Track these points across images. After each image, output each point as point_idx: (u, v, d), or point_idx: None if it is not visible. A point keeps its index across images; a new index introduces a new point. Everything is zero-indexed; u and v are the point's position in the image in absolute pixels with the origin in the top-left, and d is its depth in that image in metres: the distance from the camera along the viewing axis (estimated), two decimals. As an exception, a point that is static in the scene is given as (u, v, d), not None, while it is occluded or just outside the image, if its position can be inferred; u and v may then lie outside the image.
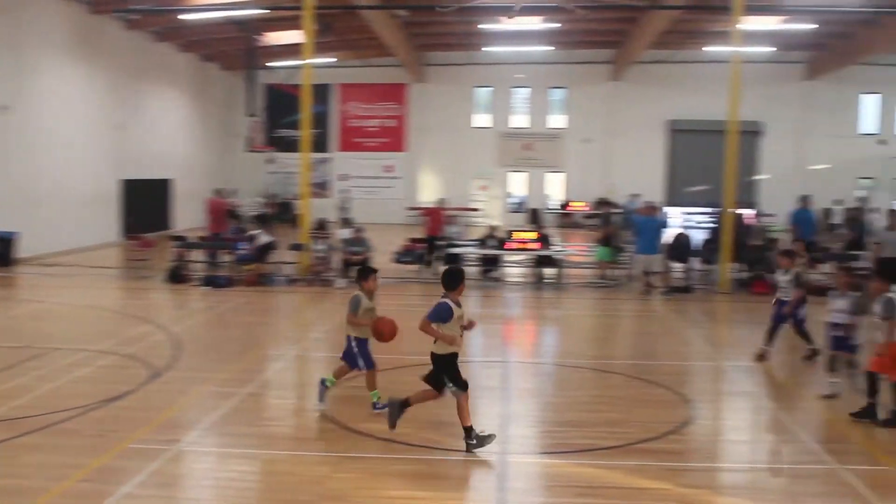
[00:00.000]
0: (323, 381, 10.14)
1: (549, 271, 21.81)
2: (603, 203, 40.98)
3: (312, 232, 22.10)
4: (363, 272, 10.38)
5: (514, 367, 13.03)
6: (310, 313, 17.78)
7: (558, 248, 22.21)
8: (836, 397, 10.56)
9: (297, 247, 22.06)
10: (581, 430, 9.39)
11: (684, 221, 28.54)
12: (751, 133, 39.74)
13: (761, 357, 13.06)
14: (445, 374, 8.81)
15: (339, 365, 10.19)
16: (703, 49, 37.13)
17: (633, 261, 21.24)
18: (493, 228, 22.59)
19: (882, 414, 9.77)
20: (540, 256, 21.63)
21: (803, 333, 13.21)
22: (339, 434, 9.26)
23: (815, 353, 12.95)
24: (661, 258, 20.60)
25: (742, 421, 10.50)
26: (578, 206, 42.10)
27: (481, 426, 9.56)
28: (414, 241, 23.27)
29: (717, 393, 12.01)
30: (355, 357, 10.01)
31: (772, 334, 13.21)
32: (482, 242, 21.89)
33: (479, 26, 32.80)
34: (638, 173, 41.71)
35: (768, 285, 20.35)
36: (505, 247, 21.50)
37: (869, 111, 43.02)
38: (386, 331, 9.81)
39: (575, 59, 42.31)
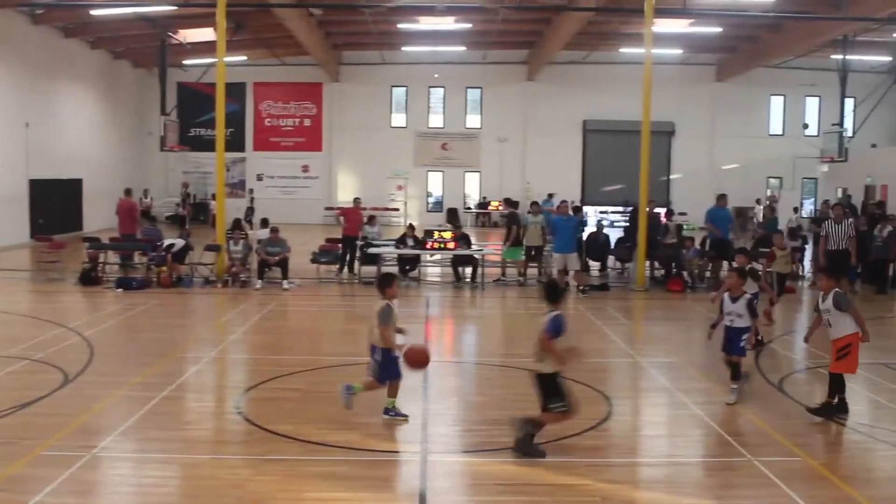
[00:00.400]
0: (387, 411, 9.80)
1: (467, 270, 21.90)
2: (509, 203, 41.12)
3: (229, 232, 21.79)
4: (386, 279, 10.07)
5: (435, 367, 13.00)
6: (227, 315, 17.53)
7: (476, 248, 22.29)
8: (736, 403, 10.61)
9: (213, 248, 21.74)
10: (502, 428, 9.41)
11: (600, 220, 28.88)
12: (663, 133, 40.53)
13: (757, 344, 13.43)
14: (552, 394, 8.59)
15: (390, 386, 9.81)
16: (616, 51, 37.73)
17: (551, 259, 21.42)
18: (411, 228, 22.58)
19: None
20: (458, 256, 21.69)
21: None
22: (259, 436, 9.14)
23: (761, 342, 13.62)
24: (578, 256, 20.81)
25: (660, 416, 10.67)
26: (495, 206, 42.37)
27: (404, 425, 9.61)
28: (331, 241, 23.13)
29: (636, 389, 12.20)
30: (385, 370, 9.68)
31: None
32: (400, 242, 21.86)
33: (397, 26, 32.77)
34: (554, 173, 42.17)
35: (682, 283, 20.80)
36: (423, 246, 21.51)
37: (777, 112, 44.32)
38: (415, 362, 9.59)
39: (490, 60, 42.60)
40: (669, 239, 22.36)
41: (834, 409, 10.04)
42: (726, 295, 10.95)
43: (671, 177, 43.19)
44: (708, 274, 21.35)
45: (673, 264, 21.41)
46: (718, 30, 34.24)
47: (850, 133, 39.50)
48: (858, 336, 9.94)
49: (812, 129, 43.48)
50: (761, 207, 37.36)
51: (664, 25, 29.19)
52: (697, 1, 28.27)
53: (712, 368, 12.12)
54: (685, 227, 27.28)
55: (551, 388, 8.62)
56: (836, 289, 10.15)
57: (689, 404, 10.61)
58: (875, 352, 12.63)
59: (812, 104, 44.24)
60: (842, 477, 8.23)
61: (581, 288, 20.29)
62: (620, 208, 37.27)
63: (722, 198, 22.34)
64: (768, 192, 41.95)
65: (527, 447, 8.59)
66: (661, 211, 24.53)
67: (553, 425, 8.78)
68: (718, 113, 43.29)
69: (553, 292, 8.96)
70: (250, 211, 37.17)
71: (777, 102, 44.39)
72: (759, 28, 35.95)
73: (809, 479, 8.14)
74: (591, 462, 8.52)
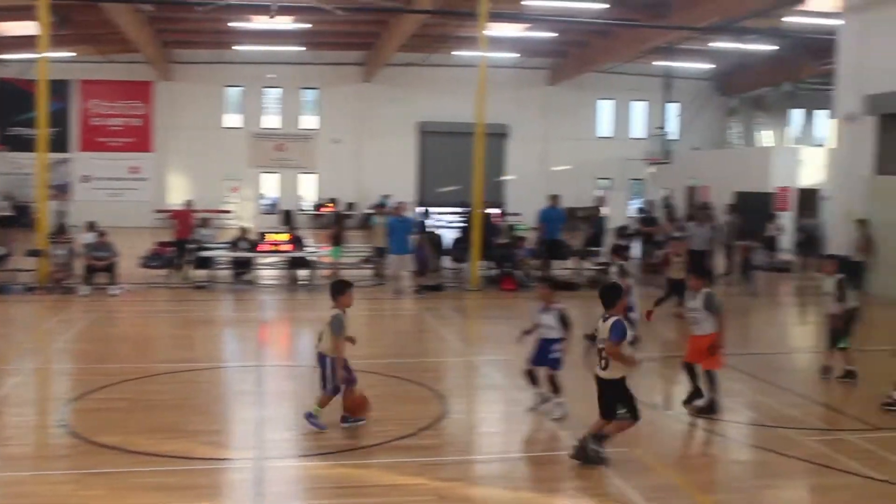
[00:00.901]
0: (344, 419, 9.47)
1: (302, 273, 21.67)
2: (332, 203, 41.22)
3: (52, 237, 20.84)
4: (340, 287, 9.56)
5: (270, 371, 12.85)
6: (50, 323, 16.75)
7: (311, 250, 22.13)
8: (537, 409, 10.37)
9: (34, 253, 20.71)
10: (339, 430, 9.38)
11: (435, 221, 29.15)
12: (498, 135, 41.21)
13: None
14: (619, 400, 8.40)
15: (322, 395, 9.45)
16: (452, 53, 38.17)
17: (387, 261, 21.47)
18: (244, 230, 22.19)
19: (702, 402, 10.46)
20: (293, 258, 21.45)
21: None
22: (84, 449, 8.76)
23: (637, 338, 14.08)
24: (413, 258, 20.92)
25: (494, 413, 10.85)
26: (331, 207, 42.09)
27: (238, 432, 9.44)
28: (162, 244, 22.47)
29: (470, 387, 12.37)
30: (327, 386, 9.34)
31: None
32: (234, 245, 21.45)
33: (229, 24, 32.15)
34: (390, 174, 42.30)
35: (515, 282, 21.20)
36: (257, 249, 21.17)
37: (606, 115, 45.94)
38: (358, 410, 9.41)
39: (327, 60, 42.33)
40: (502, 239, 22.78)
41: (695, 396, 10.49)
42: (537, 306, 10.45)
43: (506, 178, 44.02)
44: (539, 273, 21.88)
45: (506, 263, 21.80)
46: (552, 35, 35.17)
47: (674, 136, 41.30)
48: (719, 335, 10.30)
49: (638, 132, 45.24)
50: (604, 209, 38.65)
51: (499, 29, 29.72)
52: (531, 6, 28.89)
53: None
54: (517, 227, 27.89)
55: (619, 394, 8.44)
56: (707, 289, 10.46)
57: (523, 401, 10.78)
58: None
59: (639, 108, 46.04)
60: (666, 464, 8.61)
61: (416, 288, 20.43)
62: (456, 209, 37.71)
63: (554, 198, 22.91)
64: (598, 192, 43.28)
65: (594, 457, 8.43)
66: (496, 212, 24.97)
67: (615, 434, 8.53)
68: (551, 116, 44.45)
69: (609, 295, 8.66)
70: (61, 215, 34.57)
71: (606, 106, 45.99)
72: (590, 34, 37.13)
73: (636, 469, 8.45)
74: (427, 461, 8.56)
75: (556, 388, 10.07)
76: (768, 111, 43.88)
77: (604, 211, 27.31)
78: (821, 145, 34.65)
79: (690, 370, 10.55)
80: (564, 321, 10.09)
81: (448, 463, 8.63)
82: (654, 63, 41.25)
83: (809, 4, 26.93)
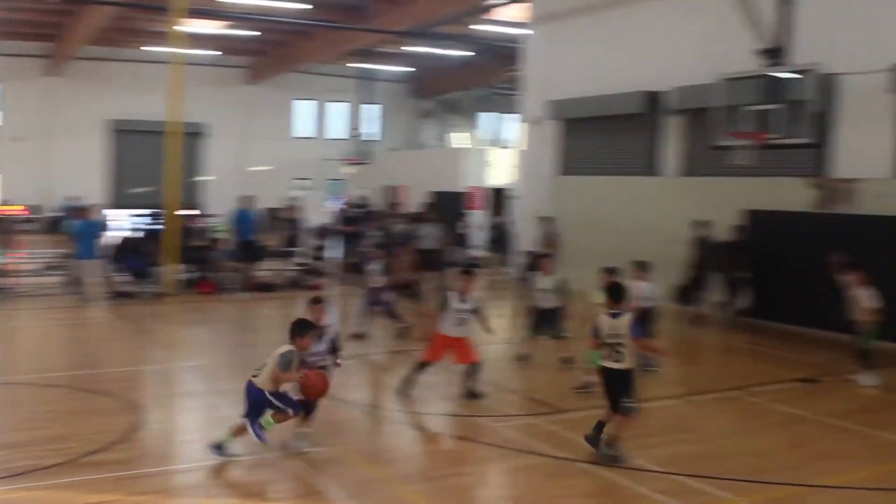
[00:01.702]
0: (219, 447, 8.51)
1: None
2: (24, 207, 38.73)
3: None
4: (298, 328, 8.52)
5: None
6: None
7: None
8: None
9: None
10: (18, 451, 8.70)
11: (130, 224, 27.88)
12: (195, 134, 40.18)
13: (359, 336, 14.60)
14: (627, 390, 8.61)
15: (240, 424, 8.54)
16: (146, 48, 36.81)
17: (74, 266, 20.27)
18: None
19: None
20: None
21: (393, 315, 15.15)
22: None
23: (408, 329, 14.97)
24: (103, 262, 19.87)
25: (193, 421, 10.53)
26: (15, 210, 39.15)
27: None
28: None
29: (168, 395, 11.89)
30: (282, 408, 8.49)
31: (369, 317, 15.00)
32: None
33: None
34: (80, 174, 40.02)
35: (213, 285, 20.77)
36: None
37: (306, 116, 46.16)
38: (315, 386, 8.55)
39: (6, 51, 39.35)
40: (199, 241, 22.25)
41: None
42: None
43: (204, 178, 43.00)
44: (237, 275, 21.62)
45: (203, 266, 21.29)
46: (252, 33, 34.76)
47: (376, 137, 42.12)
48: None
49: (338, 133, 45.79)
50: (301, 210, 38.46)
51: (196, 25, 28.94)
52: (230, 3, 28.35)
53: (240, 368, 12.20)
54: (217, 228, 27.34)
55: (628, 385, 8.63)
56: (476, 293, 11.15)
57: (222, 406, 10.53)
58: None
59: (339, 109, 46.57)
60: (367, 459, 8.82)
61: (107, 294, 19.45)
62: (151, 211, 36.34)
63: (246, 199, 22.65)
64: (296, 193, 43.30)
65: (614, 454, 8.62)
66: (193, 213, 24.33)
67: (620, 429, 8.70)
68: (250, 115, 43.94)
69: (618, 293, 8.95)
70: None
71: (306, 106, 46.13)
72: (290, 34, 37.04)
73: (338, 465, 8.60)
74: (121, 475, 8.14)
75: (310, 412, 9.10)
76: (461, 114, 45.85)
77: (301, 211, 27.27)
78: (509, 147, 36.58)
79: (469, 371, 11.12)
80: (334, 345, 9.43)
81: (145, 475, 8.24)
82: (353, 65, 41.87)
83: (498, 14, 28.35)
